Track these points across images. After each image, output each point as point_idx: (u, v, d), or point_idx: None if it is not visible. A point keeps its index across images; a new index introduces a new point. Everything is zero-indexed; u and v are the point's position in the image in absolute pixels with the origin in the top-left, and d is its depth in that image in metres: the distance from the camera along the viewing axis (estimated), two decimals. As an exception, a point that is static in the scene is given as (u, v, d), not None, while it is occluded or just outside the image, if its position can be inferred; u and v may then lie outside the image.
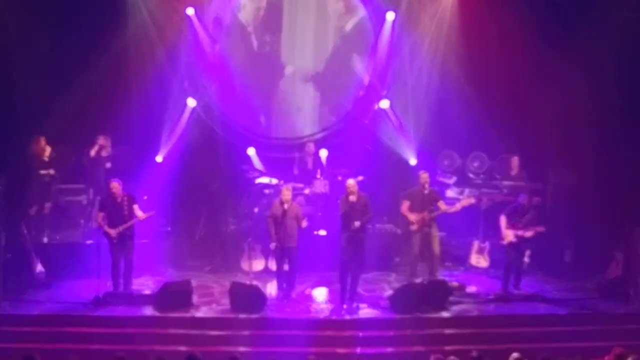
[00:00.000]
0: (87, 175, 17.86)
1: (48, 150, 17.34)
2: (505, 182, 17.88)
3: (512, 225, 15.47)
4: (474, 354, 10.72)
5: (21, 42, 17.52)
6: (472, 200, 16.47)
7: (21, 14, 17.51)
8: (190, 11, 18.92)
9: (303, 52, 19.85)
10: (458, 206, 16.02)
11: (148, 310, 14.45)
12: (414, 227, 15.75)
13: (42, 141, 17.29)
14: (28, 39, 17.56)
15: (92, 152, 17.58)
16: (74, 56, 17.88)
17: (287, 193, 15.21)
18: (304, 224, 15.10)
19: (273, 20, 19.76)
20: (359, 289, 15.22)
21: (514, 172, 17.83)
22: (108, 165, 17.60)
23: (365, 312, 14.61)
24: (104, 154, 17.65)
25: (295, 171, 18.46)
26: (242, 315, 14.28)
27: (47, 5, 17.89)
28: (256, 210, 17.91)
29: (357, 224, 14.61)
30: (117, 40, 18.24)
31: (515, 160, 17.87)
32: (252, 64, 19.88)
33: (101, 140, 17.59)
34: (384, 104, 19.33)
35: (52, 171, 17.32)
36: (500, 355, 11.33)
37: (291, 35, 19.83)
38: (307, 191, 17.85)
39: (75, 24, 17.89)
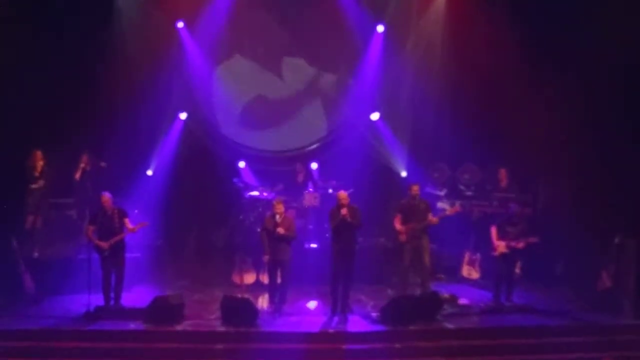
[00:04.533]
0: (76, 190, 17.82)
1: (40, 164, 17.32)
2: (496, 194, 17.90)
3: (503, 236, 15.50)
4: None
5: (12, 56, 17.47)
6: (447, 213, 16.43)
7: (11, 28, 17.49)
8: (180, 24, 19.03)
9: (295, 66, 19.91)
10: (437, 219, 15.96)
11: (139, 325, 14.36)
12: (402, 238, 15.73)
13: (38, 155, 17.29)
14: (19, 53, 17.50)
15: (77, 175, 17.62)
16: (65, 69, 17.87)
17: (279, 206, 15.20)
18: (281, 230, 15.03)
19: (268, 34, 19.81)
20: (351, 301, 15.21)
21: (503, 183, 17.87)
22: (103, 164, 17.70)
23: (357, 324, 14.55)
24: (88, 169, 17.65)
25: (280, 186, 18.49)
26: (234, 329, 14.22)
27: (37, 20, 17.87)
28: (247, 223, 17.94)
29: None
30: (108, 53, 18.30)
31: (502, 173, 17.91)
32: (244, 77, 19.93)
33: (83, 162, 17.62)
34: (374, 116, 19.41)
35: (41, 182, 17.28)
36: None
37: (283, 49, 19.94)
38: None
39: (65, 36, 17.89)
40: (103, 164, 17.86)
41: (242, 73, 19.98)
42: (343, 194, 14.95)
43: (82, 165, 17.59)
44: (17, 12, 17.61)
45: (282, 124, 20.08)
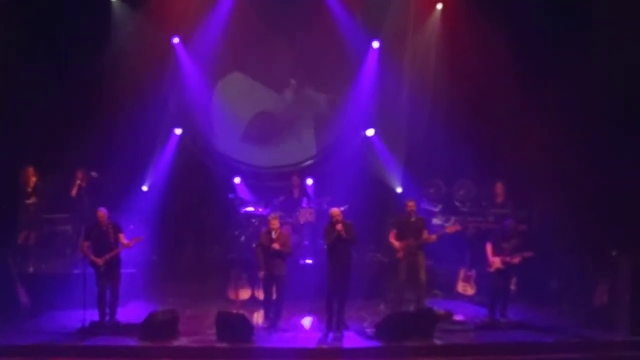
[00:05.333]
0: (72, 206, 17.81)
1: (33, 180, 17.32)
2: (492, 210, 17.93)
3: (498, 252, 15.52)
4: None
5: (5, 72, 17.49)
6: (447, 231, 16.40)
7: (4, 44, 17.55)
8: (175, 40, 19.08)
9: (291, 82, 19.94)
10: (435, 236, 15.97)
11: (134, 340, 14.33)
12: (399, 255, 15.74)
13: (30, 171, 17.29)
14: (12, 68, 17.52)
15: (73, 192, 17.64)
16: (60, 85, 17.91)
17: (274, 222, 15.20)
18: (276, 246, 15.03)
19: (263, 50, 19.85)
20: (346, 318, 15.20)
21: (499, 199, 17.90)
22: (94, 174, 17.76)
23: (352, 340, 14.54)
24: (83, 185, 17.67)
25: (280, 198, 18.52)
26: (229, 344, 14.19)
27: (35, 34, 17.93)
28: (242, 239, 17.96)
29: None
30: (103, 68, 18.32)
31: (499, 187, 17.94)
32: (239, 93, 19.96)
33: (78, 178, 17.65)
34: (370, 132, 19.45)
35: (34, 198, 17.28)
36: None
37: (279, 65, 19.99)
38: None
39: (62, 52, 17.96)
40: (94, 174, 17.85)
41: (238, 89, 20.03)
42: (336, 211, 14.94)
43: (77, 182, 17.60)
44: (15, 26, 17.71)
45: (277, 139, 20.13)
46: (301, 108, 20.08)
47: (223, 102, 20.01)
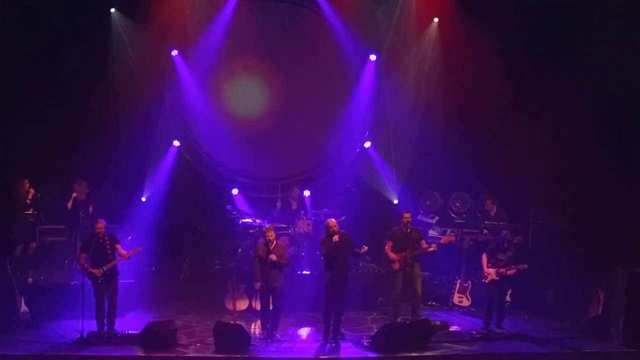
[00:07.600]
0: (68, 218, 17.84)
1: (31, 192, 17.38)
2: (487, 222, 18.01)
3: (493, 263, 15.62)
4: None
5: (5, 83, 17.58)
6: (442, 241, 16.47)
7: (6, 55, 17.65)
8: (174, 52, 19.18)
9: (288, 93, 20.01)
10: (434, 246, 16.03)
11: (132, 350, 14.37)
12: (395, 266, 15.79)
13: (26, 183, 17.35)
14: (13, 79, 17.61)
15: (69, 205, 17.69)
16: (60, 96, 18.03)
17: (271, 233, 15.27)
18: (273, 257, 15.06)
19: (261, 61, 19.94)
20: (342, 328, 15.28)
21: (492, 212, 18.00)
22: (90, 209, 17.67)
23: (349, 351, 14.59)
24: (81, 198, 17.72)
25: (277, 210, 18.62)
26: (227, 355, 14.24)
27: (34, 49, 18.03)
28: (240, 250, 18.01)
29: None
30: (103, 81, 18.43)
31: (488, 204, 18.06)
32: (237, 105, 20.03)
33: (75, 190, 17.68)
34: (367, 144, 19.54)
35: (32, 210, 17.34)
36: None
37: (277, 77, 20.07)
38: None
39: (61, 65, 18.06)
40: (90, 209, 17.81)
41: (235, 100, 20.05)
42: (333, 221, 15.03)
43: (74, 194, 17.64)
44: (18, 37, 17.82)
45: (274, 151, 20.13)
46: (298, 119, 20.09)
47: (219, 113, 20.03)
